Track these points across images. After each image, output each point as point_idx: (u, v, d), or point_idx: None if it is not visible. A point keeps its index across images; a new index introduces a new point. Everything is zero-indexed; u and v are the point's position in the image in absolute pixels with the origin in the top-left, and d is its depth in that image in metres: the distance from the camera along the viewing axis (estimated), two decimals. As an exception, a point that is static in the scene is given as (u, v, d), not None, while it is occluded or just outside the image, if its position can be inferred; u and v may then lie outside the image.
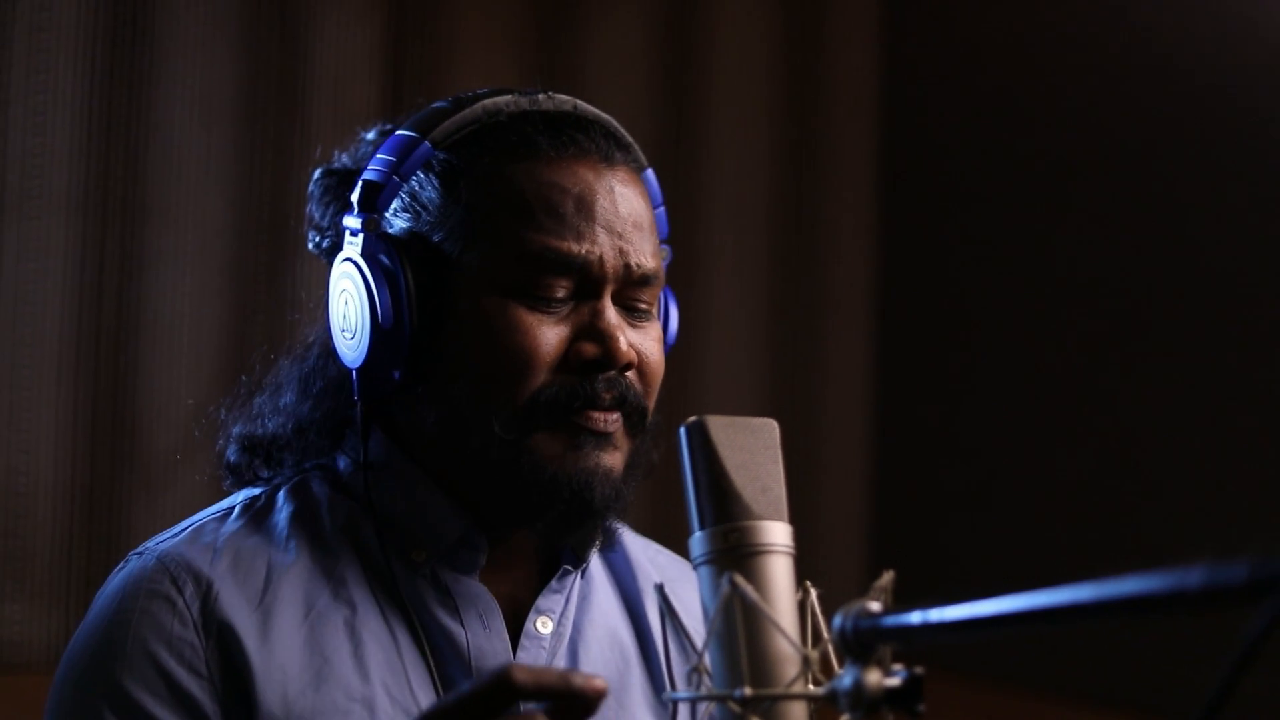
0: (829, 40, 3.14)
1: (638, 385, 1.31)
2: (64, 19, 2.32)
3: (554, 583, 1.36)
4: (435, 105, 1.35)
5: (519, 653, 1.32)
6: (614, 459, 1.29)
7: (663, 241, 1.39)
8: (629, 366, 1.30)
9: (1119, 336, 2.84)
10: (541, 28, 2.78)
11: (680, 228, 2.92)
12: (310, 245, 1.44)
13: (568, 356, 1.28)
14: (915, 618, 0.91)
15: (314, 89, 2.52)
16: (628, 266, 1.30)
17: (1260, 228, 2.66)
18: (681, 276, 2.91)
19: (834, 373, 3.11)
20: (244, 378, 1.44)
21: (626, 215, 1.31)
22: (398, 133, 1.34)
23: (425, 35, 2.65)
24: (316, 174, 1.43)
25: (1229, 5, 2.69)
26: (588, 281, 1.29)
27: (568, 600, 1.37)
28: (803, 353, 3.08)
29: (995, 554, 2.90)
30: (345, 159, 1.43)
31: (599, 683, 0.97)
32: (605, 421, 1.28)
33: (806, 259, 3.10)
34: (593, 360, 1.28)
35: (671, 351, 2.88)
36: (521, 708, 0.98)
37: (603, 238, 1.29)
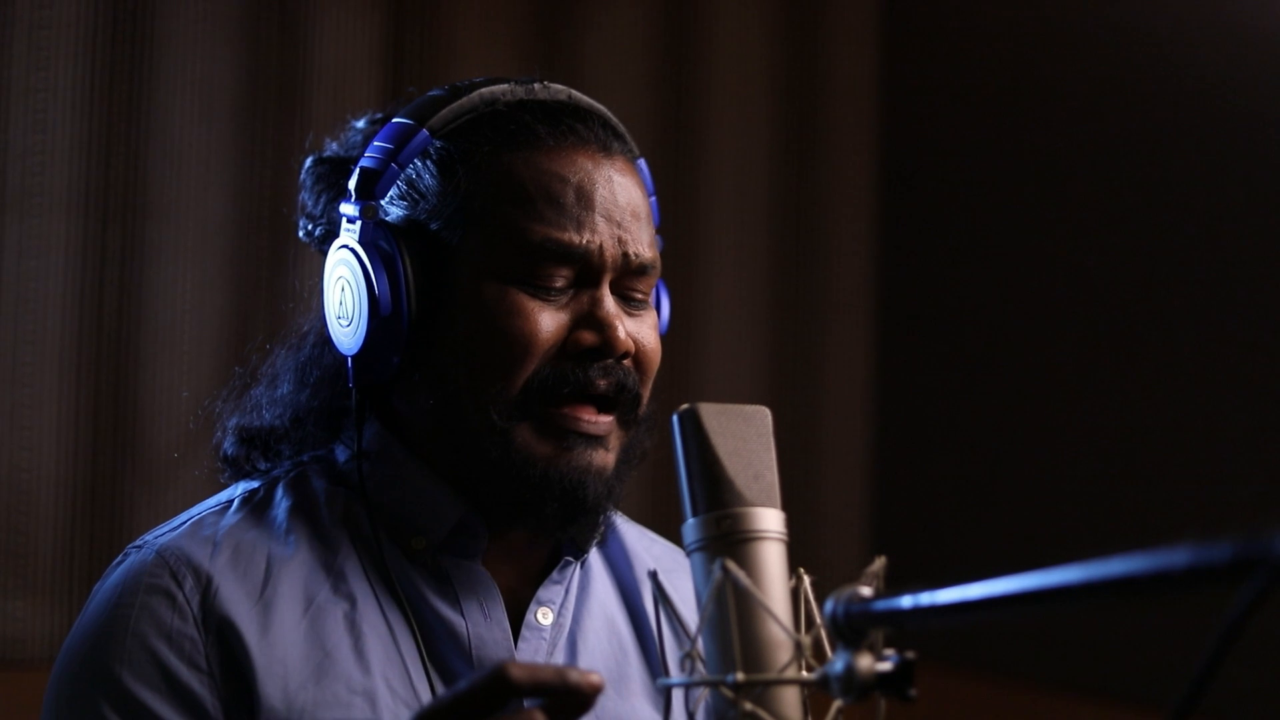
0: (828, 35, 3.14)
1: (634, 373, 1.31)
2: (64, 17, 2.33)
3: (555, 574, 1.36)
4: (431, 94, 1.35)
5: (519, 644, 1.32)
6: (605, 458, 1.30)
7: (656, 229, 1.39)
8: (626, 355, 1.30)
9: (1116, 330, 2.85)
10: (541, 23, 2.79)
11: (681, 222, 2.94)
12: (301, 233, 1.44)
13: (566, 344, 1.28)
14: (906, 601, 0.91)
15: (314, 85, 2.53)
16: (626, 256, 1.31)
17: (1258, 225, 2.66)
18: (682, 271, 2.91)
19: (834, 365, 3.12)
20: (238, 369, 1.44)
21: (625, 205, 1.31)
22: (395, 120, 1.33)
23: (424, 32, 2.66)
24: (308, 162, 1.43)
25: (1226, 7, 2.69)
26: (587, 270, 1.29)
27: (567, 591, 1.37)
28: (803, 346, 3.08)
29: (994, 543, 2.90)
30: (335, 147, 1.43)
31: (595, 679, 0.97)
32: (596, 424, 1.29)
33: (806, 252, 3.10)
34: (591, 348, 1.28)
35: (673, 345, 2.89)
36: (521, 704, 0.99)
37: (602, 227, 1.29)
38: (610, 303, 1.30)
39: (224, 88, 2.45)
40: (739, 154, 3.00)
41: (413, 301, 1.28)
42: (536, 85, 1.34)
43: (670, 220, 2.94)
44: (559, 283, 1.28)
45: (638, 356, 1.32)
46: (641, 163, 1.39)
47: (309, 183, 1.42)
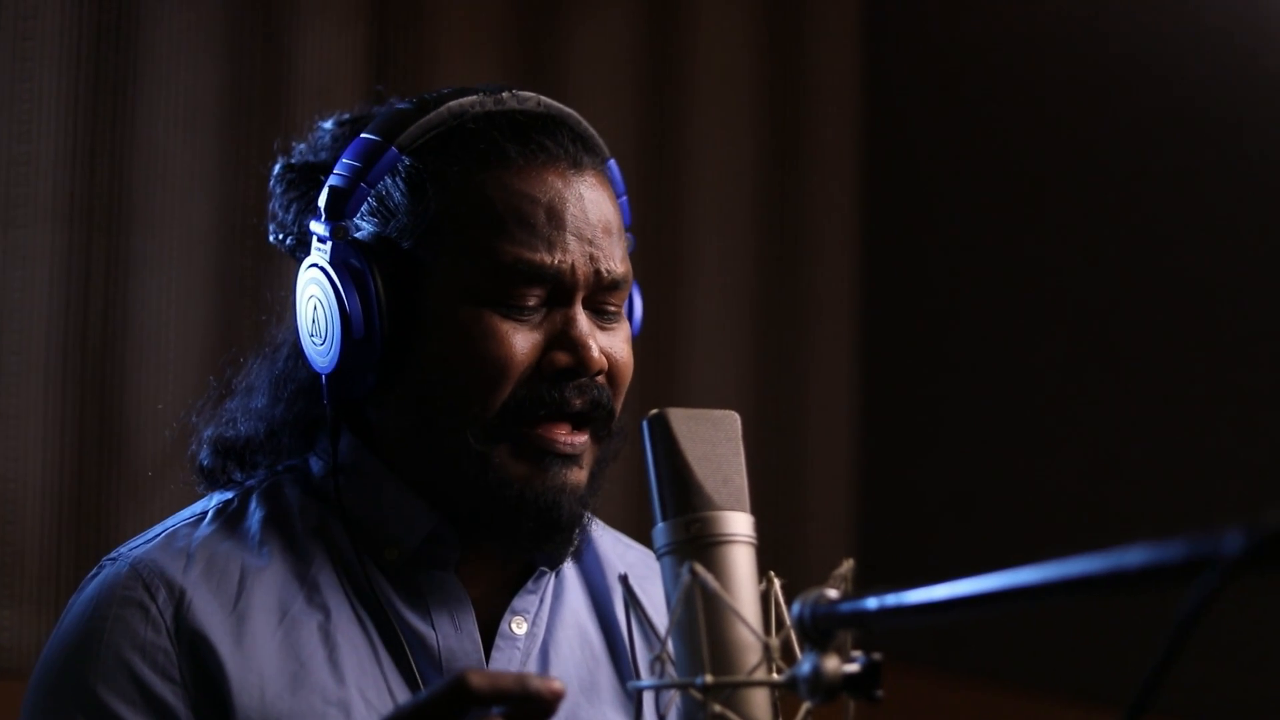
0: (811, 43, 3.16)
1: (608, 388, 1.32)
2: (49, 27, 2.33)
3: (530, 583, 1.36)
4: (399, 106, 1.34)
5: (494, 653, 1.33)
6: (580, 476, 1.30)
7: (627, 229, 1.39)
8: (600, 371, 1.31)
9: (1099, 336, 2.86)
10: (524, 33, 2.79)
11: (664, 229, 2.96)
12: (272, 238, 1.44)
13: (540, 364, 1.29)
14: (871, 603, 0.92)
15: (298, 96, 2.53)
16: (598, 273, 1.31)
17: (1238, 233, 2.67)
18: (666, 278, 2.92)
19: (818, 372, 3.13)
20: (212, 379, 1.44)
21: (596, 221, 1.31)
22: (362, 136, 1.33)
23: (408, 42, 2.66)
24: (276, 168, 1.43)
25: (1207, 12, 2.71)
26: (559, 290, 1.30)
27: (541, 600, 1.37)
28: (787, 353, 3.09)
29: (980, 546, 2.91)
30: (304, 148, 1.43)
31: (557, 685, 0.98)
32: (572, 444, 1.29)
33: (790, 259, 3.11)
34: (565, 369, 1.29)
35: (657, 349, 2.89)
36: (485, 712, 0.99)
37: (574, 246, 1.29)
38: (583, 321, 1.30)
39: (208, 98, 2.46)
40: (722, 160, 3.01)
41: (385, 323, 1.28)
42: (505, 94, 1.33)
43: (654, 226, 2.97)
44: (531, 302, 1.29)
45: (611, 371, 1.32)
46: (612, 164, 1.38)
47: (278, 190, 1.42)
